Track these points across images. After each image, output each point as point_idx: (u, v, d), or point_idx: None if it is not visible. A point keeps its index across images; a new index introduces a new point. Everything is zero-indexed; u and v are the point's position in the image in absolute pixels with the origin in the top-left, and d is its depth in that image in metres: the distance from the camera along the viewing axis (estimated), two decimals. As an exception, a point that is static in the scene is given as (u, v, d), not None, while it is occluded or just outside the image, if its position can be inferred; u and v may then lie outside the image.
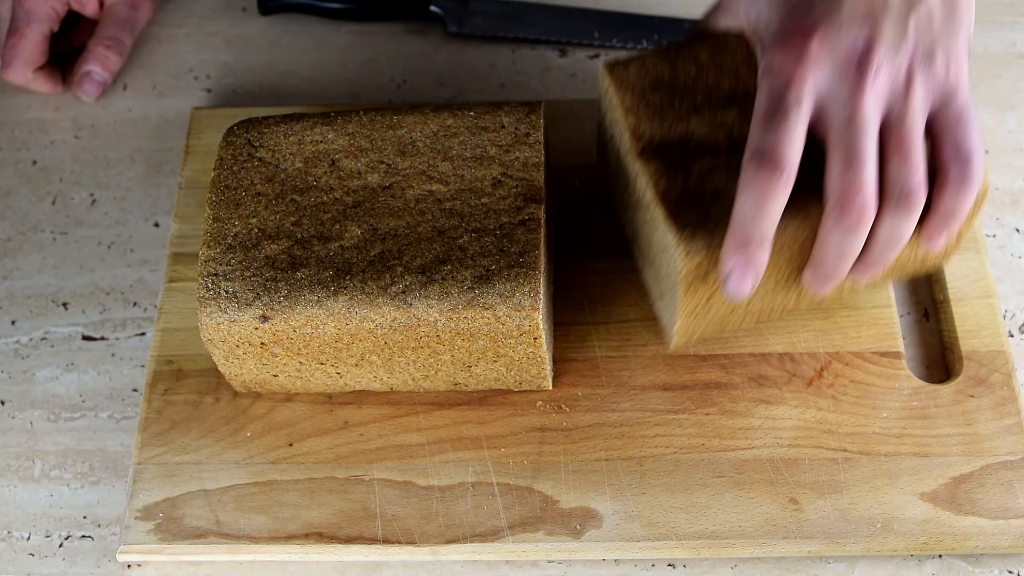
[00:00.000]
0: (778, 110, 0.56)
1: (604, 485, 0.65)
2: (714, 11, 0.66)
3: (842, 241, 0.57)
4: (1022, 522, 0.64)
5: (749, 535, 0.64)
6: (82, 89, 0.83)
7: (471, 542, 0.64)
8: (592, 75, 0.84)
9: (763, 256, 0.57)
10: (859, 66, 0.56)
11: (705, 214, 0.59)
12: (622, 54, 0.85)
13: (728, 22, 0.65)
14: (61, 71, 0.84)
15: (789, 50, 0.56)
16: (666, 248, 0.61)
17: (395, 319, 0.62)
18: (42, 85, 0.83)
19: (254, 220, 0.65)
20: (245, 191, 0.66)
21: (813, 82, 0.56)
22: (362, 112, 0.68)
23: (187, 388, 0.70)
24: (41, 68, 0.82)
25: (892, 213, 0.57)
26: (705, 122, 0.63)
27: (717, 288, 0.61)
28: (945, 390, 0.68)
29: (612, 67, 0.66)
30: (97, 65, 0.83)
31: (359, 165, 0.66)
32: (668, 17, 0.86)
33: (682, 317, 0.63)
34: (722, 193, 0.60)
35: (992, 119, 0.81)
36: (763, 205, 0.56)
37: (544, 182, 0.66)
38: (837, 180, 0.56)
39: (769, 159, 0.55)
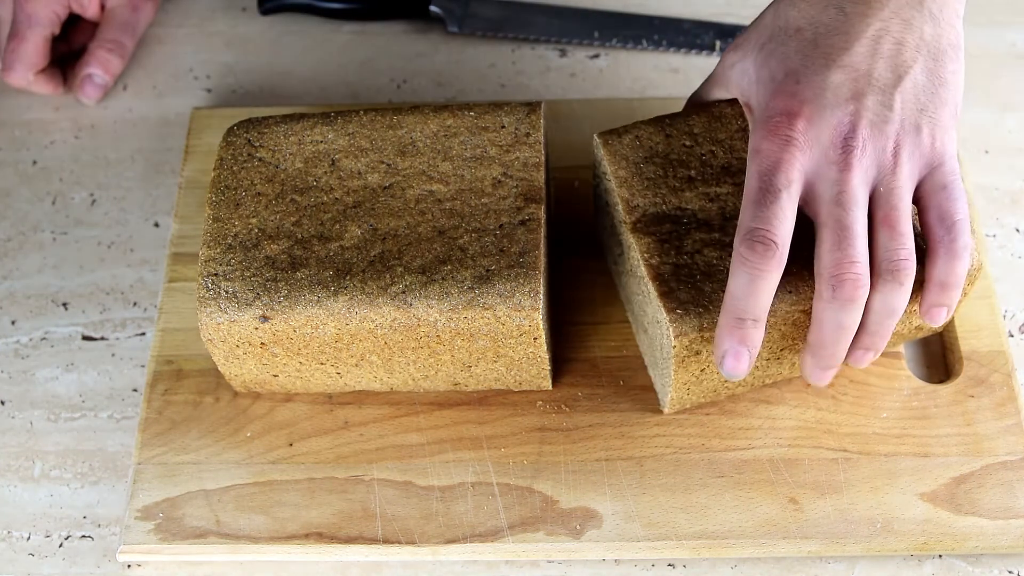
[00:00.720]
0: (768, 192, 0.56)
1: (604, 485, 0.65)
2: (708, 82, 0.67)
3: (838, 316, 0.58)
4: (1022, 522, 0.64)
5: (749, 535, 0.64)
6: (83, 92, 0.83)
7: (471, 542, 0.64)
8: (592, 75, 0.84)
9: (758, 336, 0.58)
10: (845, 145, 0.57)
11: (698, 292, 0.60)
12: (622, 54, 0.85)
13: (721, 93, 0.66)
14: (62, 73, 0.84)
15: (777, 132, 0.57)
16: (659, 323, 0.62)
17: (395, 319, 0.62)
18: (43, 87, 0.83)
19: (254, 220, 0.65)
20: (245, 191, 0.66)
21: (801, 164, 0.57)
22: (362, 112, 0.68)
23: (187, 388, 0.70)
24: (42, 71, 0.82)
25: (884, 286, 0.57)
26: (699, 195, 0.63)
27: (710, 363, 0.62)
28: (945, 390, 0.68)
29: (606, 137, 0.66)
30: (98, 68, 0.83)
31: (359, 165, 0.66)
32: (668, 17, 0.86)
33: (675, 389, 0.64)
34: (715, 270, 0.60)
35: (992, 119, 0.81)
36: (756, 286, 0.56)
37: (544, 182, 0.66)
38: (829, 257, 0.57)
39: (761, 240, 0.56)
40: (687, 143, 0.65)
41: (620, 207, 0.64)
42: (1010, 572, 0.64)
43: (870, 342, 0.60)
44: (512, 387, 0.68)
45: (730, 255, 0.59)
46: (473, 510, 0.65)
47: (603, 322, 0.71)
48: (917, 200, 0.59)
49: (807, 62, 0.58)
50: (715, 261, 0.61)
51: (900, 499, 0.64)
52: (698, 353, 0.61)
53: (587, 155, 0.76)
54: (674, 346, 0.60)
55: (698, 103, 0.67)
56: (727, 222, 0.62)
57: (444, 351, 0.64)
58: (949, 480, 0.65)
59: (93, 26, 0.85)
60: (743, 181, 0.60)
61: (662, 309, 0.60)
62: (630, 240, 0.63)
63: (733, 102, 0.65)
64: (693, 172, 0.64)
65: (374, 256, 0.63)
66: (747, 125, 0.64)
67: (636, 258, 0.63)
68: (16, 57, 0.80)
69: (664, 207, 0.63)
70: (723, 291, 0.58)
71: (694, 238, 0.62)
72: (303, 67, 0.86)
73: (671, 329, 0.59)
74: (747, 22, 0.86)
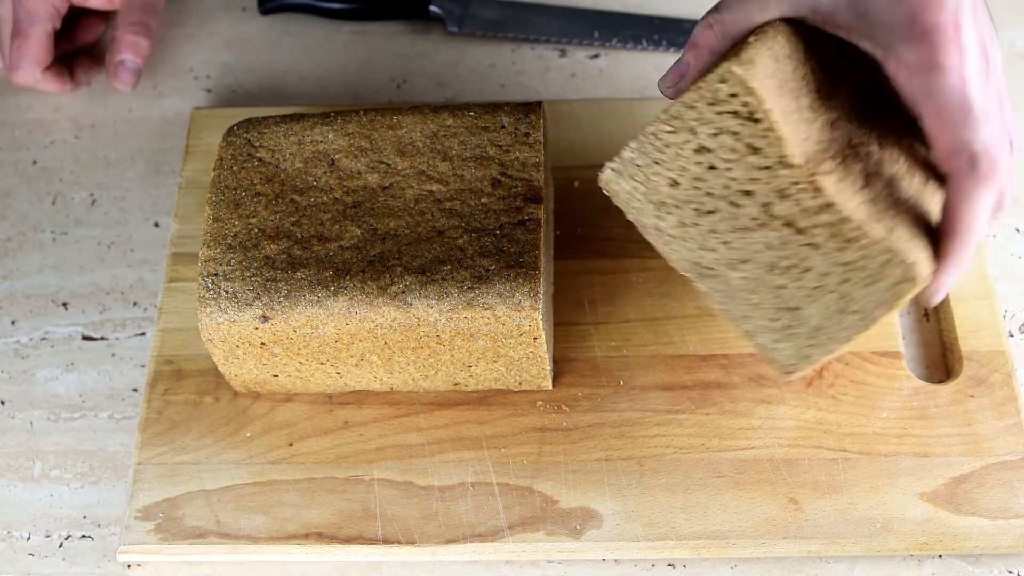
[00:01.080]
0: (968, 107, 0.54)
1: (604, 485, 0.65)
2: (738, 5, 0.59)
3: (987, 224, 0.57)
4: (1022, 522, 0.64)
5: (749, 535, 0.64)
6: (118, 79, 0.83)
7: (471, 542, 0.64)
8: (592, 75, 0.84)
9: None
10: (983, 57, 0.56)
11: (911, 226, 0.56)
12: (622, 54, 0.85)
13: (772, 12, 0.58)
14: (68, 70, 0.84)
15: (950, 42, 0.55)
16: (872, 268, 0.55)
17: (395, 319, 0.62)
18: (50, 85, 0.83)
19: (254, 220, 0.65)
20: (245, 191, 0.66)
21: (979, 73, 0.55)
22: (362, 112, 0.68)
23: (187, 388, 0.70)
24: (48, 68, 0.82)
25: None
26: (825, 124, 0.57)
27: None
28: (945, 390, 0.68)
29: (746, 65, 0.54)
30: (129, 52, 0.82)
31: (359, 165, 0.66)
32: (668, 17, 0.86)
33: (850, 344, 0.57)
34: (906, 198, 0.57)
35: (992, 119, 0.81)
36: (988, 207, 0.55)
37: (544, 182, 0.66)
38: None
39: (982, 159, 0.54)
40: (787, 69, 0.56)
41: (776, 147, 0.54)
42: (1010, 572, 0.64)
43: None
44: (512, 387, 0.68)
45: (903, 180, 0.58)
46: (473, 510, 0.65)
47: (603, 322, 0.71)
48: None
49: None
50: (896, 188, 0.57)
51: (900, 499, 0.64)
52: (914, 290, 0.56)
53: (587, 155, 0.76)
54: (914, 285, 0.54)
55: (737, 30, 0.59)
56: (867, 147, 0.58)
57: (444, 351, 0.64)
58: (949, 480, 0.65)
59: (96, 21, 0.86)
60: (849, 99, 0.58)
61: (891, 250, 0.54)
62: (798, 183, 0.55)
63: (784, 23, 0.58)
64: (809, 99, 0.57)
65: (373, 256, 0.63)
66: (815, 40, 0.58)
67: (816, 200, 0.55)
68: (21, 55, 0.80)
69: (818, 139, 0.56)
70: (924, 220, 0.56)
71: (860, 166, 0.57)
72: (303, 67, 0.86)
73: (913, 268, 0.53)
74: (747, 22, 0.86)
